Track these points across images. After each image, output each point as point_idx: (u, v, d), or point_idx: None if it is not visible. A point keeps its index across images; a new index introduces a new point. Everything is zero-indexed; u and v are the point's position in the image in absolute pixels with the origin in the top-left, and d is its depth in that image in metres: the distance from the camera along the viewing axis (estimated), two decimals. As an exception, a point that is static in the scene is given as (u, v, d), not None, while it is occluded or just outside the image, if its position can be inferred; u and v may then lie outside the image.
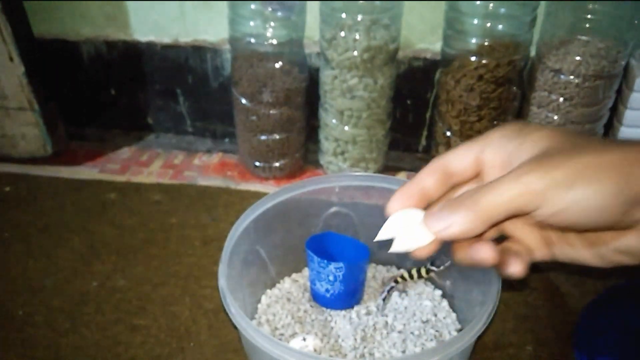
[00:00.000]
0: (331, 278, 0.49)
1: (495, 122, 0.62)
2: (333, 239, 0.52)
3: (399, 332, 0.49)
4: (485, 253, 0.29)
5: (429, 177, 0.32)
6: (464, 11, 0.59)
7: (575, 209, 0.26)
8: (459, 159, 0.32)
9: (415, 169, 0.76)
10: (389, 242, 0.32)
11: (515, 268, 0.30)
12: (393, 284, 0.52)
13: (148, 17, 0.75)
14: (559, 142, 0.28)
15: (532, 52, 0.63)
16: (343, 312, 0.52)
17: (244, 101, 0.68)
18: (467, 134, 0.63)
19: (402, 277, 0.52)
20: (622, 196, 0.25)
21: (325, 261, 0.48)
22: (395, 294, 0.53)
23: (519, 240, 0.32)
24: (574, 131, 0.31)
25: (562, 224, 0.27)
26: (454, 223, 0.28)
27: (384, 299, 0.51)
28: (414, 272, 0.51)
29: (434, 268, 0.51)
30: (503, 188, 0.27)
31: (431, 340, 0.48)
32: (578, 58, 0.58)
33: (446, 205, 0.29)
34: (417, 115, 0.76)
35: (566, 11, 0.59)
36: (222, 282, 0.42)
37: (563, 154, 0.27)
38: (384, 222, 0.32)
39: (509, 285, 0.54)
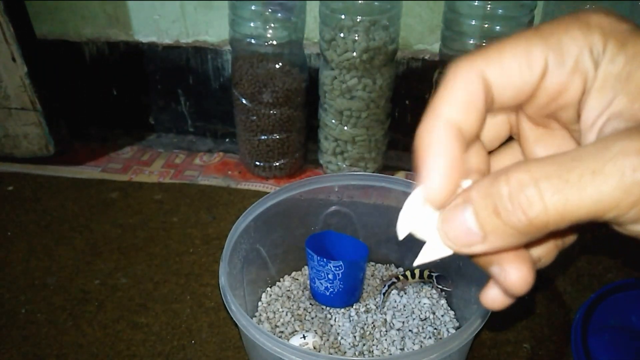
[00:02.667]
0: (331, 276, 0.50)
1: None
2: (332, 238, 0.53)
3: (398, 329, 0.50)
4: (516, 277, 0.19)
5: (459, 112, 0.19)
6: (462, 12, 0.60)
7: None
8: (510, 73, 0.18)
9: (413, 168, 0.76)
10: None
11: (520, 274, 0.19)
12: (394, 279, 0.52)
13: (149, 18, 0.75)
14: None
15: (530, 53, 0.63)
16: (342, 310, 0.52)
17: (244, 101, 0.68)
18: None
19: (404, 275, 0.52)
20: None
21: (325, 260, 0.49)
22: (394, 292, 0.54)
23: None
24: None
25: None
26: (486, 240, 0.18)
27: (384, 293, 0.52)
28: (416, 271, 0.52)
29: (434, 274, 0.51)
30: (597, 181, 0.15)
31: (429, 337, 0.49)
32: (575, 59, 0.59)
33: (474, 202, 0.17)
34: (415, 115, 0.76)
35: (563, 12, 0.59)
36: (223, 280, 0.42)
37: None
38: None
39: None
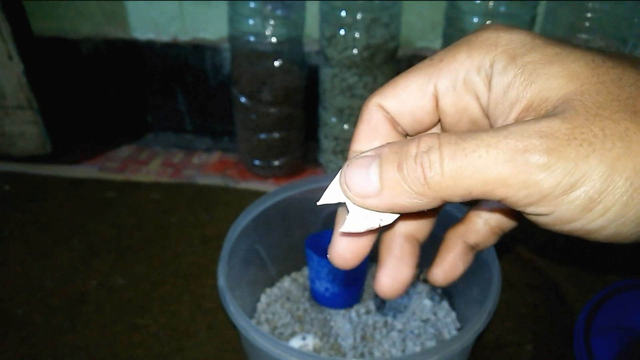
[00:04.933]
0: (331, 277, 0.49)
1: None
2: (332, 238, 0.52)
3: (399, 331, 0.49)
4: (384, 284, 0.23)
5: (375, 139, 0.22)
6: (464, 9, 0.59)
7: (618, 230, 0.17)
8: (405, 103, 0.21)
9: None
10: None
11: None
12: None
13: (147, 15, 0.75)
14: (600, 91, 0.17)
15: (532, 51, 0.63)
16: (342, 311, 0.52)
17: (243, 99, 0.68)
18: (467, 132, 0.63)
19: None
20: None
21: (325, 260, 0.48)
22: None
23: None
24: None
25: (582, 236, 0.18)
26: (381, 194, 0.18)
27: None
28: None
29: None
30: (490, 155, 0.17)
31: (431, 339, 0.48)
32: (578, 56, 0.58)
33: (382, 156, 0.19)
34: (416, 113, 0.76)
35: (566, 10, 0.59)
36: (222, 281, 0.42)
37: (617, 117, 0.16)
38: None
39: (509, 284, 0.54)
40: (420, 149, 0.17)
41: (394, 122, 0.22)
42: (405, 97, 0.21)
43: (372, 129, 0.22)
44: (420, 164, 0.17)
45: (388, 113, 0.22)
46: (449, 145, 0.17)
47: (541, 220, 0.18)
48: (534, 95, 0.18)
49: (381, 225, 0.20)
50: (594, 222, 0.17)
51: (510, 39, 0.19)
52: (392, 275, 0.23)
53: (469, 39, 0.20)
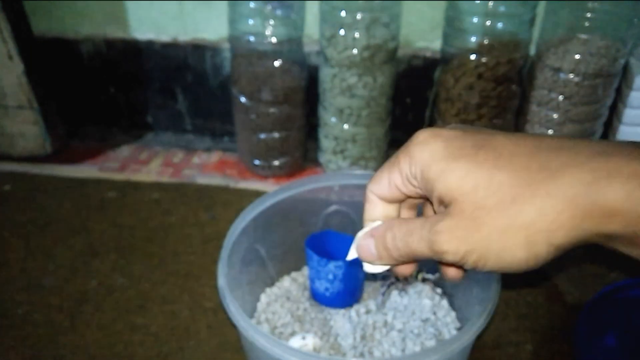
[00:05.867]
0: (330, 277, 0.49)
1: (494, 121, 0.62)
2: (332, 238, 0.52)
3: (399, 330, 0.49)
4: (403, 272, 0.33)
5: (376, 209, 0.32)
6: (463, 9, 0.59)
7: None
8: (382, 189, 0.31)
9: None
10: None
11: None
12: (393, 279, 0.52)
13: (147, 15, 0.75)
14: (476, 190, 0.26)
15: (532, 51, 0.63)
16: (342, 310, 0.52)
17: (243, 99, 0.68)
18: (467, 132, 0.63)
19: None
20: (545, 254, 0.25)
21: (325, 260, 0.48)
22: (394, 292, 0.53)
23: None
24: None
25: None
26: (380, 258, 0.31)
27: (383, 294, 0.51)
28: (419, 275, 0.52)
29: (429, 276, 0.51)
30: (416, 241, 0.28)
31: (431, 339, 0.48)
32: (578, 56, 0.58)
33: (375, 238, 0.31)
34: (416, 113, 0.76)
35: (566, 10, 0.59)
36: (222, 281, 0.42)
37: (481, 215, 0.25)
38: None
39: (509, 284, 0.54)
40: (393, 236, 0.29)
41: (382, 198, 0.32)
42: (381, 187, 0.31)
43: (371, 205, 0.32)
44: (391, 245, 0.29)
45: (377, 195, 0.32)
46: (401, 235, 0.29)
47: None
48: (437, 194, 0.27)
49: (383, 270, 0.32)
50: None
51: (422, 154, 0.28)
52: None
53: (407, 146, 0.29)
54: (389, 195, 0.31)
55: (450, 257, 0.26)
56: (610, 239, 0.24)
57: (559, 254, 0.25)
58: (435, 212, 0.29)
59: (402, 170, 0.29)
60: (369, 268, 0.32)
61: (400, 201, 0.32)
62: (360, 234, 0.32)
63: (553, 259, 0.25)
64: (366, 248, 0.31)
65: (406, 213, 0.33)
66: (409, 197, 0.31)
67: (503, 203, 0.24)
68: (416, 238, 0.27)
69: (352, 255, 0.33)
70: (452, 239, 0.26)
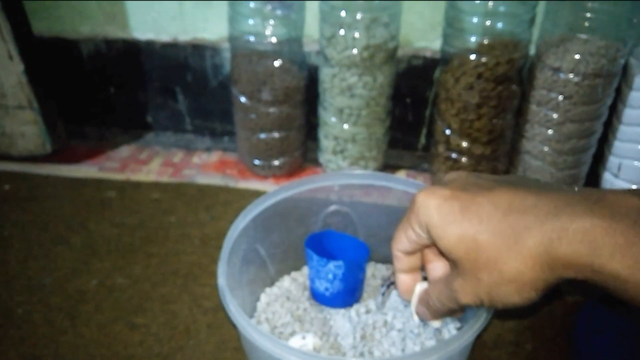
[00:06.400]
0: (330, 276, 0.49)
1: (494, 121, 0.62)
2: (332, 238, 0.52)
3: (399, 330, 0.49)
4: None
5: (403, 262, 0.38)
6: (463, 9, 0.59)
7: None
8: (404, 246, 0.37)
9: (414, 167, 0.76)
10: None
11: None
12: (393, 278, 0.52)
13: (147, 15, 0.75)
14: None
15: (532, 51, 0.63)
16: (342, 310, 0.52)
17: (243, 99, 0.68)
18: (467, 132, 0.63)
19: None
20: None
21: (325, 259, 0.49)
22: (394, 292, 0.53)
23: None
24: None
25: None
26: (430, 315, 0.38)
27: (383, 294, 0.51)
28: None
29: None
30: (445, 299, 0.35)
31: (430, 338, 0.48)
32: (577, 56, 0.58)
33: (421, 301, 0.39)
34: (416, 113, 0.76)
35: (565, 10, 0.59)
36: (221, 281, 0.42)
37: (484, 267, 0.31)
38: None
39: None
40: (430, 298, 0.37)
41: (405, 253, 0.37)
42: (402, 244, 0.37)
43: (398, 260, 0.38)
44: (433, 304, 0.37)
45: (401, 251, 0.38)
46: (435, 295, 0.36)
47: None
48: (442, 251, 0.34)
49: (441, 324, 0.43)
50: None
51: (424, 216, 0.33)
52: None
53: (412, 209, 0.34)
54: (410, 249, 0.37)
55: (472, 305, 0.33)
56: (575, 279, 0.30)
57: (549, 290, 0.31)
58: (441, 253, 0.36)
59: (414, 228, 0.35)
60: (434, 324, 0.41)
61: (420, 251, 0.38)
62: (414, 300, 0.40)
63: (545, 293, 0.31)
64: (423, 313, 0.39)
65: (431, 256, 0.39)
66: (426, 246, 0.37)
67: (489, 262, 0.31)
68: (444, 296, 0.35)
69: (416, 318, 0.41)
70: (466, 294, 0.33)
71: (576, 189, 0.31)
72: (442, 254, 0.35)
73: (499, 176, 0.35)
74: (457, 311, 0.37)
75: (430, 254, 0.38)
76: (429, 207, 0.33)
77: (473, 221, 0.31)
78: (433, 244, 0.35)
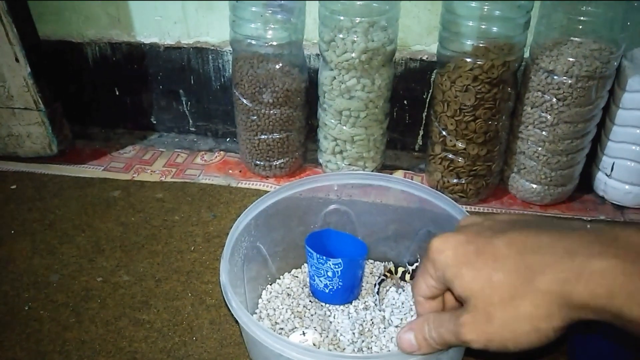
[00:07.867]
0: (330, 274, 0.50)
1: (489, 122, 0.63)
2: (332, 236, 0.53)
3: (396, 326, 0.50)
4: None
5: (425, 307, 0.37)
6: (459, 13, 0.60)
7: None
8: (424, 291, 0.36)
9: (411, 167, 0.77)
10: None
11: None
12: (383, 276, 0.53)
13: (151, 19, 0.76)
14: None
15: (526, 54, 0.64)
16: (341, 307, 0.53)
17: (244, 101, 0.69)
18: (462, 133, 0.64)
19: (390, 271, 0.53)
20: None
21: (324, 257, 0.49)
22: (392, 289, 0.54)
23: None
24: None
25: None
26: (420, 349, 0.36)
27: (377, 292, 0.52)
28: (399, 269, 0.53)
29: (411, 268, 0.52)
30: (445, 332, 0.34)
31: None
32: (571, 59, 0.59)
33: (414, 330, 0.36)
34: (413, 115, 0.77)
35: (559, 13, 0.60)
36: (224, 278, 0.42)
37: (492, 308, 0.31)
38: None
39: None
40: (429, 328, 0.35)
41: (426, 297, 0.36)
42: (422, 290, 0.36)
43: (420, 306, 0.37)
44: (429, 337, 0.35)
45: (422, 296, 0.37)
46: (435, 328, 0.34)
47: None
48: (456, 292, 0.33)
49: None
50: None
51: (439, 262, 0.33)
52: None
53: (428, 255, 0.34)
54: (430, 294, 0.36)
55: (474, 345, 0.32)
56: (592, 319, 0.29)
57: (566, 328, 0.30)
58: (456, 299, 0.35)
59: (431, 274, 0.35)
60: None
61: (439, 296, 0.37)
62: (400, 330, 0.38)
63: (562, 332, 0.30)
64: (407, 340, 0.36)
65: (452, 301, 0.38)
66: (446, 290, 0.36)
67: (505, 299, 0.30)
68: (445, 330, 0.33)
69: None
70: (472, 330, 0.31)
71: (588, 226, 0.31)
72: (455, 295, 0.34)
73: (513, 217, 0.35)
74: (443, 350, 0.37)
75: (450, 299, 0.38)
76: (444, 251, 0.33)
77: (488, 261, 0.31)
78: (449, 288, 0.35)
